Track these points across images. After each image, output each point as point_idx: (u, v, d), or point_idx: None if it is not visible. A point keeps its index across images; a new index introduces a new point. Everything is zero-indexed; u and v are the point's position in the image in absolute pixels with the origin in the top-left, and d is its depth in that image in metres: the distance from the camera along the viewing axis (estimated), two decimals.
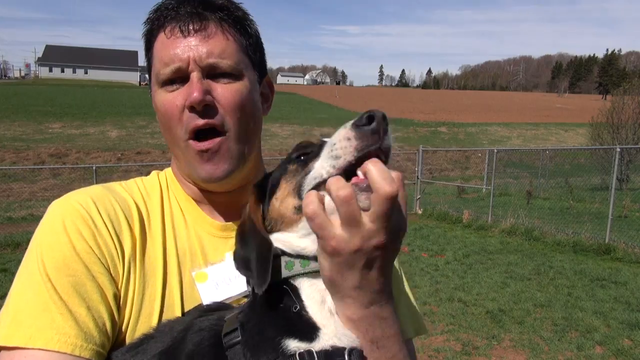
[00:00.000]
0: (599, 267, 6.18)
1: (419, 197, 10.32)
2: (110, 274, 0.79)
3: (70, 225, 0.79)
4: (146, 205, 0.89)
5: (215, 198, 0.93)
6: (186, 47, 0.82)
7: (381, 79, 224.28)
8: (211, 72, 0.83)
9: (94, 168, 8.43)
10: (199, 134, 0.83)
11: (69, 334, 0.73)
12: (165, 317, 0.82)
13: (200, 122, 0.82)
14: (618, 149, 7.60)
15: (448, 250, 7.07)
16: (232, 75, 0.85)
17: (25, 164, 19.87)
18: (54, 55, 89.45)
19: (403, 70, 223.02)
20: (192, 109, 0.82)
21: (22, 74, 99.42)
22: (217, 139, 0.84)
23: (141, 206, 0.88)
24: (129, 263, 0.81)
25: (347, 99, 62.52)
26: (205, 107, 0.82)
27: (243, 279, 0.80)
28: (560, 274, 5.88)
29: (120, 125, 30.24)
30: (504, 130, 36.89)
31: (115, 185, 0.93)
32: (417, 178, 10.44)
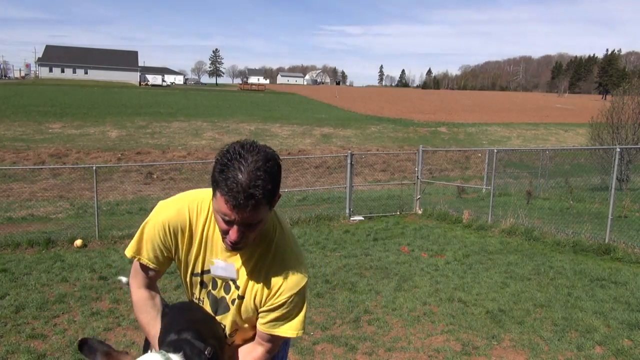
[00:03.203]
0: (599, 267, 6.18)
1: (419, 197, 10.32)
2: (165, 247, 1.55)
3: (158, 225, 1.53)
4: (196, 222, 1.53)
5: None
6: (235, 213, 1.30)
7: (381, 79, 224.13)
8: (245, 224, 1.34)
9: (94, 168, 8.42)
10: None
11: (135, 249, 1.57)
12: (193, 267, 1.58)
13: (233, 241, 1.38)
14: (618, 149, 7.59)
15: (448, 250, 7.07)
16: (258, 222, 1.36)
17: (25, 164, 19.86)
18: (54, 55, 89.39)
19: (403, 70, 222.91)
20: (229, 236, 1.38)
21: (22, 74, 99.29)
22: (240, 245, 1.39)
23: (192, 223, 1.53)
24: (181, 246, 1.55)
25: (347, 99, 62.47)
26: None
27: (231, 269, 1.52)
28: (560, 274, 5.88)
29: (120, 125, 30.23)
30: (504, 130, 36.88)
31: (184, 204, 1.55)
32: (417, 178, 10.44)
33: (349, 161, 9.96)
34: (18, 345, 4.00)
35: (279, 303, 1.44)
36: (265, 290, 1.45)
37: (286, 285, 1.44)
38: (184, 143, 26.69)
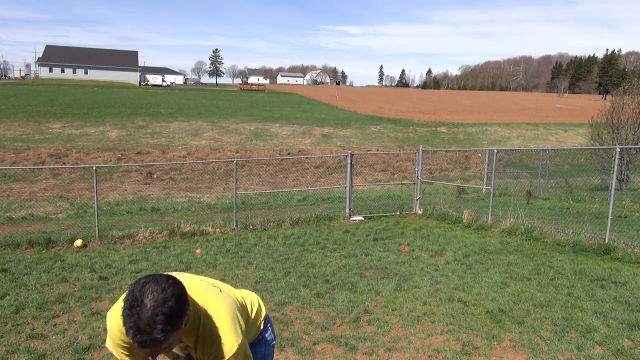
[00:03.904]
0: (599, 267, 6.18)
1: (419, 197, 10.31)
2: None
3: None
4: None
5: None
6: (144, 350, 1.57)
7: (381, 79, 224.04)
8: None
9: (94, 168, 8.41)
10: None
11: None
12: None
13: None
14: (618, 149, 7.58)
15: (448, 250, 7.07)
16: (168, 346, 1.60)
17: (25, 164, 19.86)
18: (54, 55, 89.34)
19: (403, 70, 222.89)
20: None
21: (22, 74, 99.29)
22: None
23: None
24: None
25: (347, 99, 62.47)
26: None
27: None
28: (560, 274, 5.88)
29: (120, 125, 30.24)
30: (504, 130, 36.88)
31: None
32: (417, 178, 10.43)
33: (349, 161, 9.96)
34: (18, 345, 4.00)
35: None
36: (207, 354, 1.76)
37: (223, 349, 1.73)
38: (184, 143, 26.69)
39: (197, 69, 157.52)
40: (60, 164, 20.15)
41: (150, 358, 1.61)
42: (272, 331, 2.28)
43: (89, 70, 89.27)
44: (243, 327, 1.83)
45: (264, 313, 2.20)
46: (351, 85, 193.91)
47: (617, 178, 8.18)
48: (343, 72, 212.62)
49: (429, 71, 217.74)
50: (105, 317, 4.63)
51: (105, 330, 4.31)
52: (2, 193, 14.72)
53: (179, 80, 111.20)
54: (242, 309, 1.98)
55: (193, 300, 1.74)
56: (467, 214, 9.02)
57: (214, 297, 1.82)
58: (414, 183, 10.63)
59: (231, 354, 1.73)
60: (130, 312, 1.49)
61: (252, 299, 2.18)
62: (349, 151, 10.35)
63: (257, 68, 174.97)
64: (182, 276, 1.83)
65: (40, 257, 6.80)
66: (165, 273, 1.68)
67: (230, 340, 1.75)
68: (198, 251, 7.15)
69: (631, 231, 7.67)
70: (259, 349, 2.17)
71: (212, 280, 2.00)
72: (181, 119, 33.64)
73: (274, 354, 2.30)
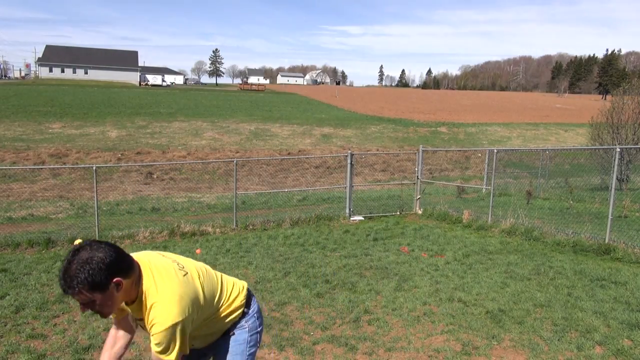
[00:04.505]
0: (599, 267, 6.18)
1: (419, 197, 10.32)
2: None
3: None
4: None
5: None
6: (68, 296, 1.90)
7: (381, 79, 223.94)
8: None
9: (94, 168, 8.41)
10: None
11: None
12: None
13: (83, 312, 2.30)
14: (618, 149, 7.58)
15: (448, 250, 7.07)
16: (91, 302, 1.87)
17: (25, 164, 19.86)
18: (54, 55, 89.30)
19: (403, 70, 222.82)
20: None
21: (22, 74, 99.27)
22: (101, 315, 1.96)
23: None
24: None
25: (347, 99, 62.47)
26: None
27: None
28: (560, 274, 5.88)
29: (120, 125, 30.24)
30: (504, 130, 36.89)
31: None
32: (417, 178, 10.44)
33: (349, 161, 9.97)
34: (18, 345, 4.00)
35: (152, 334, 1.93)
36: (148, 327, 1.96)
37: (156, 322, 1.92)
38: (184, 143, 26.69)
39: (197, 69, 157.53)
40: (60, 164, 20.15)
41: (81, 308, 1.87)
42: (258, 319, 2.37)
43: (89, 70, 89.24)
44: (189, 311, 1.96)
45: (240, 300, 2.30)
46: (351, 85, 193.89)
47: (617, 178, 8.18)
48: (343, 72, 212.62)
49: (429, 71, 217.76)
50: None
51: (105, 330, 4.31)
52: (2, 193, 14.72)
53: (179, 80, 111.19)
54: (208, 294, 2.11)
55: (149, 276, 1.96)
56: (467, 214, 9.02)
57: (170, 277, 1.98)
58: (414, 183, 10.63)
59: (162, 328, 1.89)
60: (62, 266, 1.83)
61: (236, 286, 2.32)
62: (349, 151, 10.35)
63: (257, 68, 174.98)
64: (152, 254, 2.08)
65: (40, 257, 6.80)
66: (106, 241, 1.93)
67: (166, 317, 1.91)
68: (198, 251, 7.15)
69: (631, 231, 7.67)
70: (240, 335, 2.28)
71: (187, 262, 2.15)
72: (181, 119, 33.64)
73: (259, 342, 2.40)
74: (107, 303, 1.88)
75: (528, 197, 11.51)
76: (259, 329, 2.36)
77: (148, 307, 1.94)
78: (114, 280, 1.84)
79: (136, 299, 1.98)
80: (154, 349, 1.96)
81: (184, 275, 2.02)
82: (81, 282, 1.79)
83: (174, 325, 1.92)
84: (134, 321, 2.21)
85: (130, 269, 1.91)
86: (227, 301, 2.22)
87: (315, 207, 11.07)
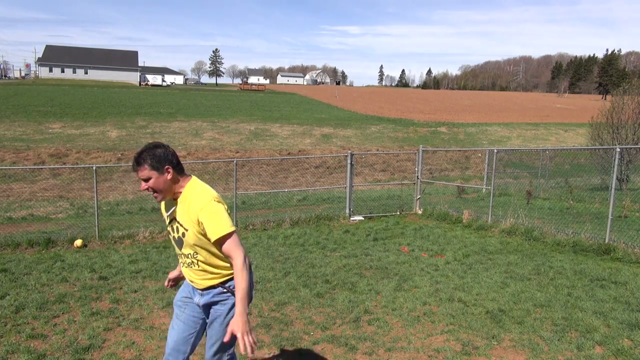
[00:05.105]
0: (599, 267, 6.18)
1: (419, 197, 10.32)
2: None
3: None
4: None
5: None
6: (134, 172, 2.54)
7: (381, 79, 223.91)
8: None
9: (94, 168, 8.41)
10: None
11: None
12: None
13: (142, 189, 2.56)
14: (618, 149, 7.58)
15: (448, 250, 7.07)
16: (149, 179, 2.51)
17: (25, 164, 19.86)
18: (54, 55, 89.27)
19: (403, 70, 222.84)
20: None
21: (22, 74, 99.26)
22: (156, 197, 2.57)
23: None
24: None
25: (347, 99, 62.46)
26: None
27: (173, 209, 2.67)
28: (560, 274, 5.88)
29: (120, 125, 30.24)
30: (504, 130, 36.88)
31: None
32: (417, 178, 10.43)
33: (349, 161, 9.97)
34: (18, 345, 4.00)
35: (202, 217, 2.46)
36: (192, 217, 2.49)
37: (198, 206, 2.47)
38: (184, 143, 26.69)
39: (197, 69, 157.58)
40: (60, 164, 20.15)
41: (141, 186, 2.51)
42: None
43: (89, 70, 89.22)
44: (223, 201, 2.52)
45: (230, 272, 2.68)
46: (351, 85, 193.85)
47: (617, 178, 8.18)
48: (343, 72, 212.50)
49: (429, 71, 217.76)
50: (106, 317, 4.65)
51: (106, 329, 4.32)
52: (2, 193, 14.72)
53: (179, 80, 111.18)
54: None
55: (194, 182, 2.59)
56: (467, 214, 9.02)
57: (208, 189, 2.58)
58: (414, 183, 10.63)
59: (205, 202, 2.46)
60: (138, 151, 2.52)
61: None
62: (349, 151, 10.35)
63: (257, 68, 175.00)
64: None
65: (40, 257, 6.81)
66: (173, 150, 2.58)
67: (205, 195, 2.49)
68: None
69: (631, 231, 7.67)
70: (224, 306, 2.65)
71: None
72: (181, 119, 33.64)
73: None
74: (159, 182, 2.49)
75: (528, 197, 11.51)
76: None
77: (190, 199, 2.51)
78: (166, 167, 2.50)
79: (181, 195, 2.55)
80: (215, 234, 2.43)
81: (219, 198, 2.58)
82: (146, 160, 2.47)
83: (215, 200, 2.47)
84: (173, 227, 2.66)
85: (179, 168, 2.55)
86: (225, 260, 2.59)
87: (315, 207, 11.07)
